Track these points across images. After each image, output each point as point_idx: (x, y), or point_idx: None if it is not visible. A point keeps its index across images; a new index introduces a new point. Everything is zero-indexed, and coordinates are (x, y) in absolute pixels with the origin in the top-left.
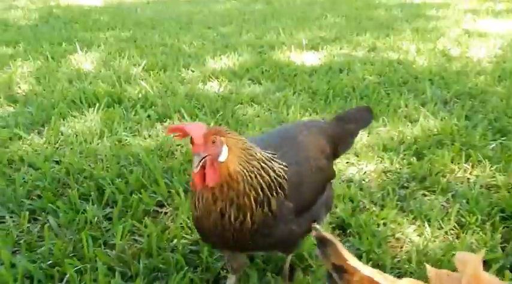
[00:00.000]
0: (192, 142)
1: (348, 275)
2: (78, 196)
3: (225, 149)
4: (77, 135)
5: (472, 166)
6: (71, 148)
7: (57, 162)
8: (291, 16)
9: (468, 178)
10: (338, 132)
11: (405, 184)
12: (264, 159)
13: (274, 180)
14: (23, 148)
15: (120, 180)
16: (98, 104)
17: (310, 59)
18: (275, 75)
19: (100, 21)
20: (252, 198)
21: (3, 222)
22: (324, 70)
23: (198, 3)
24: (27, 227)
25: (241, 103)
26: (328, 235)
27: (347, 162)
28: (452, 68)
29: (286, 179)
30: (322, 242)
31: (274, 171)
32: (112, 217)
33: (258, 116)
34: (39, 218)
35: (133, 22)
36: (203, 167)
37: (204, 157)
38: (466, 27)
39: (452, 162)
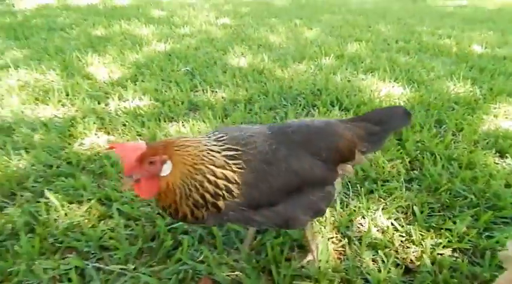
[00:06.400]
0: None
1: None
2: (329, 101)
3: (167, 166)
4: (321, 69)
5: None
6: (319, 76)
7: (313, 84)
8: (462, 17)
9: None
10: (358, 134)
11: None
12: (214, 170)
13: (223, 187)
14: (288, 73)
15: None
16: (331, 55)
17: (478, 48)
18: (450, 54)
19: (322, 7)
20: (191, 204)
21: (286, 106)
22: (490, 57)
23: (394, 2)
24: (298, 112)
25: (425, 68)
26: None
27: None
28: None
29: (238, 183)
30: None
31: (225, 178)
32: None
33: (438, 78)
34: (305, 110)
35: (346, 9)
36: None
37: (136, 179)
38: None
39: None
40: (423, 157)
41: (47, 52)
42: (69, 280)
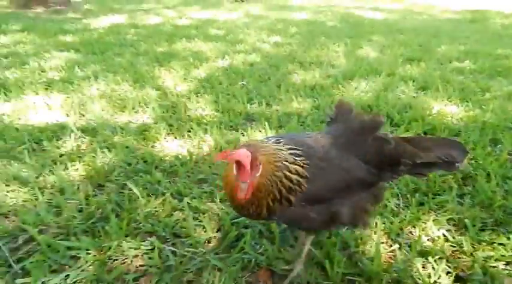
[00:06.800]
0: (238, 170)
1: None
2: None
3: (261, 167)
4: (371, 86)
5: None
6: (370, 93)
7: (364, 100)
8: None
9: None
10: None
11: None
12: (289, 166)
13: (296, 182)
14: (339, 89)
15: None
16: (382, 73)
17: None
18: (508, 74)
19: (374, 28)
20: (270, 199)
21: None
22: None
23: (447, 23)
24: None
25: (480, 88)
26: None
27: None
28: None
29: (307, 177)
30: None
31: (297, 173)
32: None
33: (495, 98)
34: None
35: (396, 29)
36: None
37: (247, 183)
38: None
39: None
40: (476, 174)
41: (121, 65)
42: (150, 258)
